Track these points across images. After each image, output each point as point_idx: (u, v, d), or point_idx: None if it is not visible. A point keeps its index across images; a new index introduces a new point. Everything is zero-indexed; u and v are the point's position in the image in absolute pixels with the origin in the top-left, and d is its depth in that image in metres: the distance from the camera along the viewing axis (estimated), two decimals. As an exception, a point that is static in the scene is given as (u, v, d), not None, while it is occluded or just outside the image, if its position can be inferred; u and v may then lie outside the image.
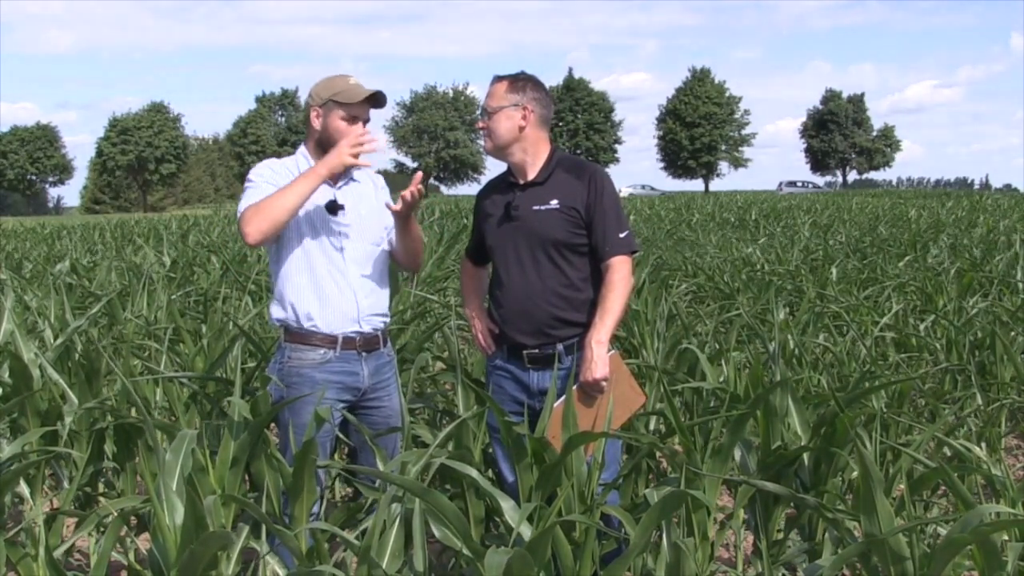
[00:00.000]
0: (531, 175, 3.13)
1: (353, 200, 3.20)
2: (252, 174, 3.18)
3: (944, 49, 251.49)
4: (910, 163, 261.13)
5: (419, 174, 3.20)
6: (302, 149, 3.25)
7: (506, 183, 3.20)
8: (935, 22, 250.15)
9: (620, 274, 3.06)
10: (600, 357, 2.99)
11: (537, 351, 3.10)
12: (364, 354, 3.20)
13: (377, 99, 3.18)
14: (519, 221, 3.10)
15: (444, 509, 2.44)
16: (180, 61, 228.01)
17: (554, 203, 3.07)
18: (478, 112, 3.44)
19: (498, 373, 3.20)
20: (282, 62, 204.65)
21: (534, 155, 3.13)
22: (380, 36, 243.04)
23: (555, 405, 2.98)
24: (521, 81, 3.12)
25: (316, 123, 3.17)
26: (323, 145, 3.17)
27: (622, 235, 3.10)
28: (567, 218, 3.07)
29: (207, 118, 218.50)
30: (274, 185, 3.09)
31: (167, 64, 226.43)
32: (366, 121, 3.17)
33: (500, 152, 3.14)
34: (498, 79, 3.15)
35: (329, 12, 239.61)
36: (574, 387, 3.01)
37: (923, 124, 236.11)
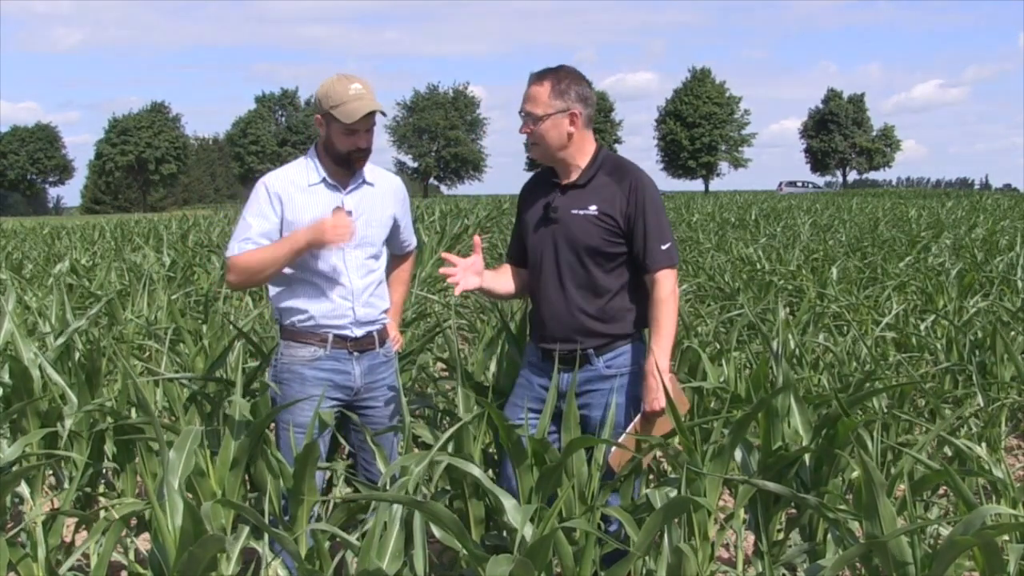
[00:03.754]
0: (574, 176, 3.03)
1: (361, 206, 3.19)
2: (250, 203, 3.16)
3: (951, 49, 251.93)
4: (913, 163, 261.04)
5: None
6: (312, 153, 3.21)
7: (548, 181, 3.10)
8: (943, 22, 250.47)
9: (666, 290, 2.98)
10: (667, 383, 2.92)
11: (566, 353, 3.03)
12: (356, 354, 3.19)
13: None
14: (557, 224, 3.01)
15: (442, 517, 2.43)
16: (186, 60, 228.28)
17: (593, 209, 2.98)
18: (520, 114, 3.15)
19: (530, 369, 3.15)
20: (288, 61, 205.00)
21: (580, 156, 3.03)
22: (387, 36, 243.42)
23: (628, 431, 3.00)
24: (564, 81, 2.96)
25: (320, 131, 3.15)
26: (328, 151, 3.16)
27: (664, 247, 2.99)
28: (604, 226, 2.97)
29: (213, 117, 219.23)
30: (268, 221, 3.10)
31: (173, 63, 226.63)
32: (369, 129, 3.13)
33: (548, 159, 3.05)
34: (538, 79, 2.98)
35: (336, 11, 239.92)
36: (637, 417, 3.01)
37: (928, 124, 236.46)
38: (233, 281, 3.17)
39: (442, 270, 3.04)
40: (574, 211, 3.00)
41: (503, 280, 3.18)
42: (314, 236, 3.03)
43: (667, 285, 2.99)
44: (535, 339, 3.14)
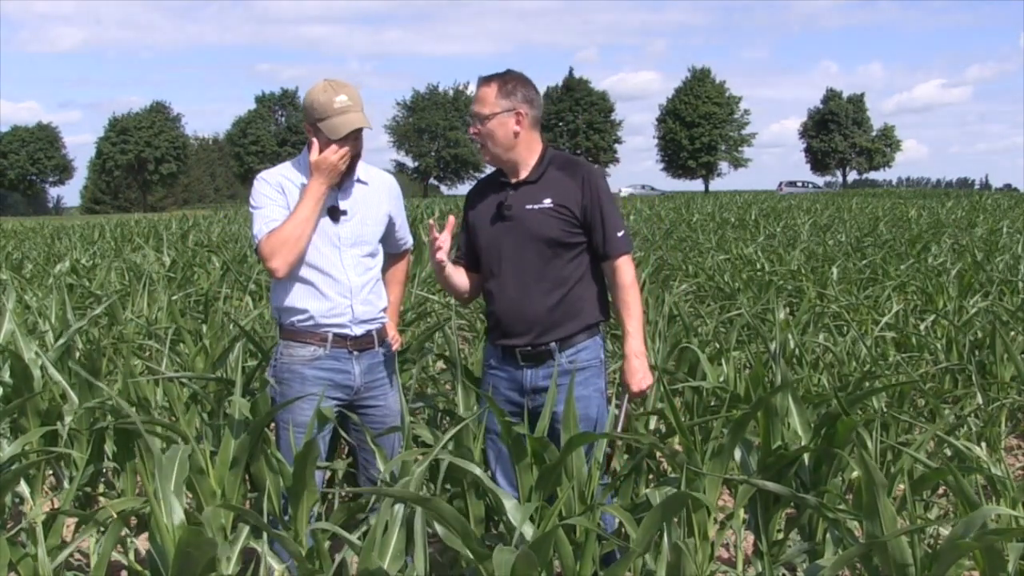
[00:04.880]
0: (524, 174, 3.11)
1: (357, 205, 3.20)
2: (255, 196, 3.16)
3: (953, 48, 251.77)
4: (915, 163, 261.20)
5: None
6: (305, 154, 3.20)
7: (498, 182, 3.18)
8: (944, 21, 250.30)
9: (630, 275, 3.11)
10: (644, 367, 3.06)
11: (530, 348, 3.09)
12: (356, 353, 3.20)
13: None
14: (512, 220, 3.08)
15: (445, 515, 2.44)
16: (188, 60, 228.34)
17: (547, 202, 3.06)
18: (468, 117, 3.33)
19: (492, 373, 3.20)
20: (289, 61, 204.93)
21: (528, 155, 3.11)
22: (390, 35, 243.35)
23: (621, 416, 3.07)
24: (511, 83, 3.07)
25: (309, 136, 3.15)
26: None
27: (620, 234, 3.11)
28: (561, 217, 3.06)
29: (213, 117, 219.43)
30: (279, 206, 3.10)
31: (174, 63, 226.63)
32: (357, 138, 3.12)
33: (497, 159, 3.13)
34: (485, 82, 3.09)
35: (337, 11, 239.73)
36: (625, 402, 3.09)
37: (929, 124, 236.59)
38: (277, 265, 3.05)
39: (431, 236, 3.06)
40: (528, 206, 3.08)
41: (460, 276, 3.23)
42: (319, 175, 3.05)
43: (629, 270, 3.12)
44: (494, 338, 3.18)
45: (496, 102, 3.05)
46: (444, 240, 3.05)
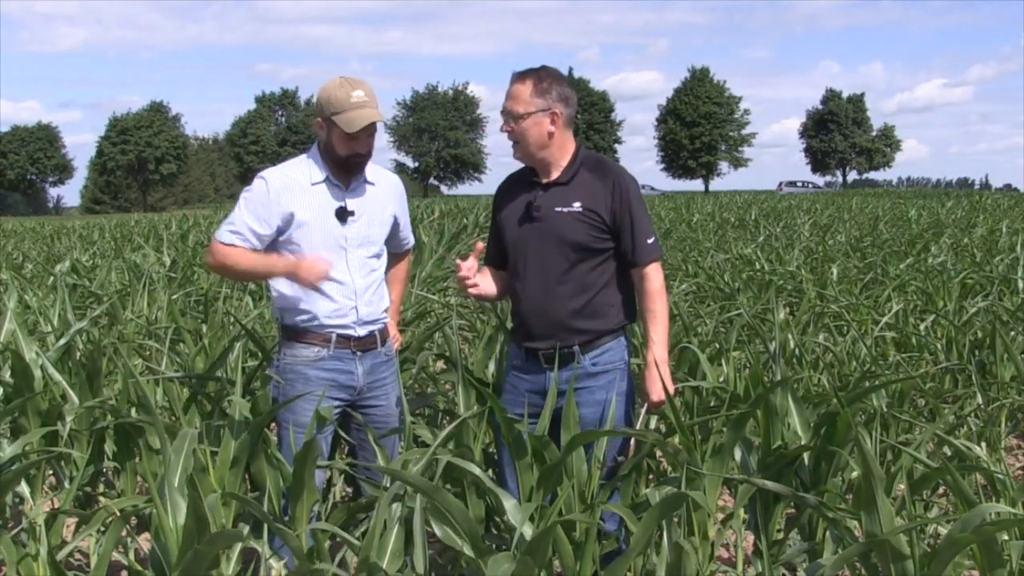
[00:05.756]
0: (555, 175, 3.04)
1: (364, 205, 3.19)
2: (245, 196, 3.15)
3: (954, 48, 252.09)
4: (915, 163, 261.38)
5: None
6: (313, 152, 3.20)
7: (528, 181, 3.10)
8: (946, 21, 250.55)
9: (658, 283, 3.04)
10: (666, 376, 2.99)
11: (552, 352, 3.04)
12: (359, 353, 3.19)
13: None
14: (540, 222, 3.02)
15: (451, 507, 2.44)
16: (188, 60, 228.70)
17: (576, 206, 2.99)
18: (501, 112, 3.22)
19: (515, 372, 3.17)
20: (290, 61, 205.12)
21: (561, 155, 3.04)
22: (391, 35, 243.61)
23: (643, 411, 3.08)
24: (546, 81, 2.98)
25: (320, 133, 3.15)
26: (328, 154, 3.16)
27: (650, 241, 3.04)
28: (589, 222, 2.99)
29: (214, 117, 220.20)
30: (260, 219, 3.09)
31: (174, 63, 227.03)
32: (371, 135, 3.13)
33: (528, 158, 3.06)
34: (520, 78, 2.99)
35: (338, 11, 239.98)
36: (643, 412, 3.08)
37: (930, 124, 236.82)
38: (210, 263, 3.22)
39: (459, 275, 3.05)
40: (558, 209, 3.01)
41: (488, 283, 3.19)
42: (290, 270, 3.07)
43: (658, 278, 3.05)
44: (518, 340, 3.14)
45: (531, 100, 2.96)
46: (472, 267, 3.02)
